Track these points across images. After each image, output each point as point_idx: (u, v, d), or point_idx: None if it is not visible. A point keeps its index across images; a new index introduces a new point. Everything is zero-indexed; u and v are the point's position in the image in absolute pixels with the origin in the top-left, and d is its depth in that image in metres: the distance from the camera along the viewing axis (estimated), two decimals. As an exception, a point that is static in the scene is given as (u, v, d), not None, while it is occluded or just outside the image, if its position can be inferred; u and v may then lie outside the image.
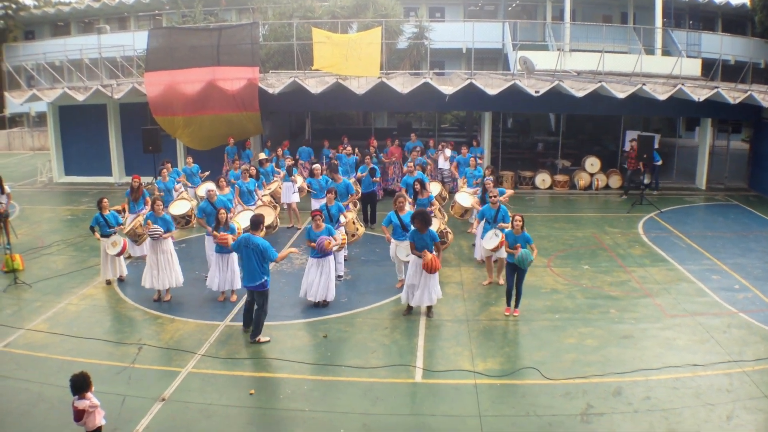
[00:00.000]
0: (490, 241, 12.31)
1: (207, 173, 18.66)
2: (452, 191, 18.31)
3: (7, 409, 8.52)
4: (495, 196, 12.72)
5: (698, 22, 38.60)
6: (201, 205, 13.23)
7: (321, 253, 11.34)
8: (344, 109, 28.74)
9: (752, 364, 9.57)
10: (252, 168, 17.05)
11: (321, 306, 11.84)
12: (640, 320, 11.28)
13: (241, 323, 11.08)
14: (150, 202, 13.90)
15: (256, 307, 10.53)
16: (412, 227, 11.10)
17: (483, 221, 12.99)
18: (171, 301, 12.34)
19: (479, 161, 17.77)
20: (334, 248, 11.63)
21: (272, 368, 9.61)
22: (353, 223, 13.62)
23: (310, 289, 11.79)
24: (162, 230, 12.06)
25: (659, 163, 22.03)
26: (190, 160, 18.76)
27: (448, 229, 13.55)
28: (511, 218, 11.52)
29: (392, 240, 12.46)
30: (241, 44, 21.84)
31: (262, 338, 10.53)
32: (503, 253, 11.69)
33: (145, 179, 20.81)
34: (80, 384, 6.68)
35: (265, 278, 10.29)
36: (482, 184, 14.75)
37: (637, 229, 17.41)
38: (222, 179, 15.02)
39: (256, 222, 10.47)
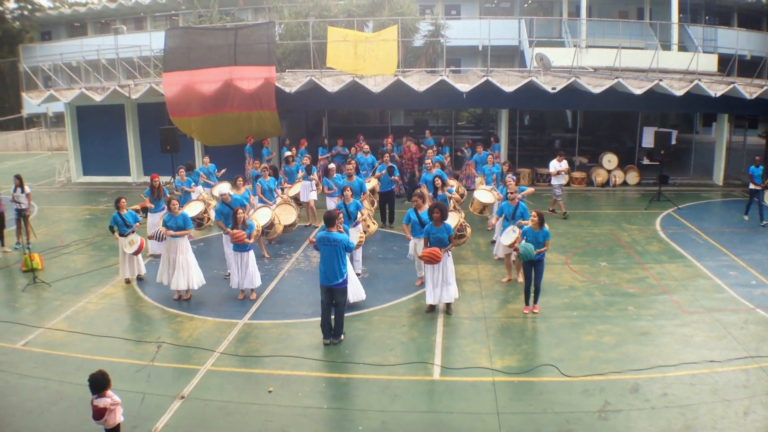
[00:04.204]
0: (507, 237, 12.33)
1: (224, 171, 18.74)
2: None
3: (26, 408, 8.62)
4: (513, 192, 12.70)
5: (714, 17, 38.29)
6: (217, 207, 13.31)
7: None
8: (361, 107, 28.79)
9: (770, 360, 9.52)
10: (272, 166, 17.11)
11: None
12: (657, 317, 11.23)
13: (260, 321, 11.16)
14: (167, 202, 14.04)
15: (334, 305, 10.24)
16: (429, 221, 11.09)
17: (502, 218, 12.97)
18: (190, 300, 12.43)
19: (497, 158, 17.71)
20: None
21: (291, 366, 9.63)
22: (364, 220, 13.62)
23: None
24: (164, 229, 12.22)
25: (762, 187, 17.57)
26: (206, 159, 18.81)
27: (466, 224, 13.48)
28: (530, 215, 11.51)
29: (411, 238, 12.42)
30: (257, 44, 21.95)
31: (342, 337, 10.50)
32: None
33: (164, 179, 21.06)
34: (100, 383, 6.71)
35: (347, 274, 10.25)
36: (503, 181, 14.70)
37: (655, 226, 17.32)
38: (240, 178, 14.98)
39: (330, 218, 10.23)
